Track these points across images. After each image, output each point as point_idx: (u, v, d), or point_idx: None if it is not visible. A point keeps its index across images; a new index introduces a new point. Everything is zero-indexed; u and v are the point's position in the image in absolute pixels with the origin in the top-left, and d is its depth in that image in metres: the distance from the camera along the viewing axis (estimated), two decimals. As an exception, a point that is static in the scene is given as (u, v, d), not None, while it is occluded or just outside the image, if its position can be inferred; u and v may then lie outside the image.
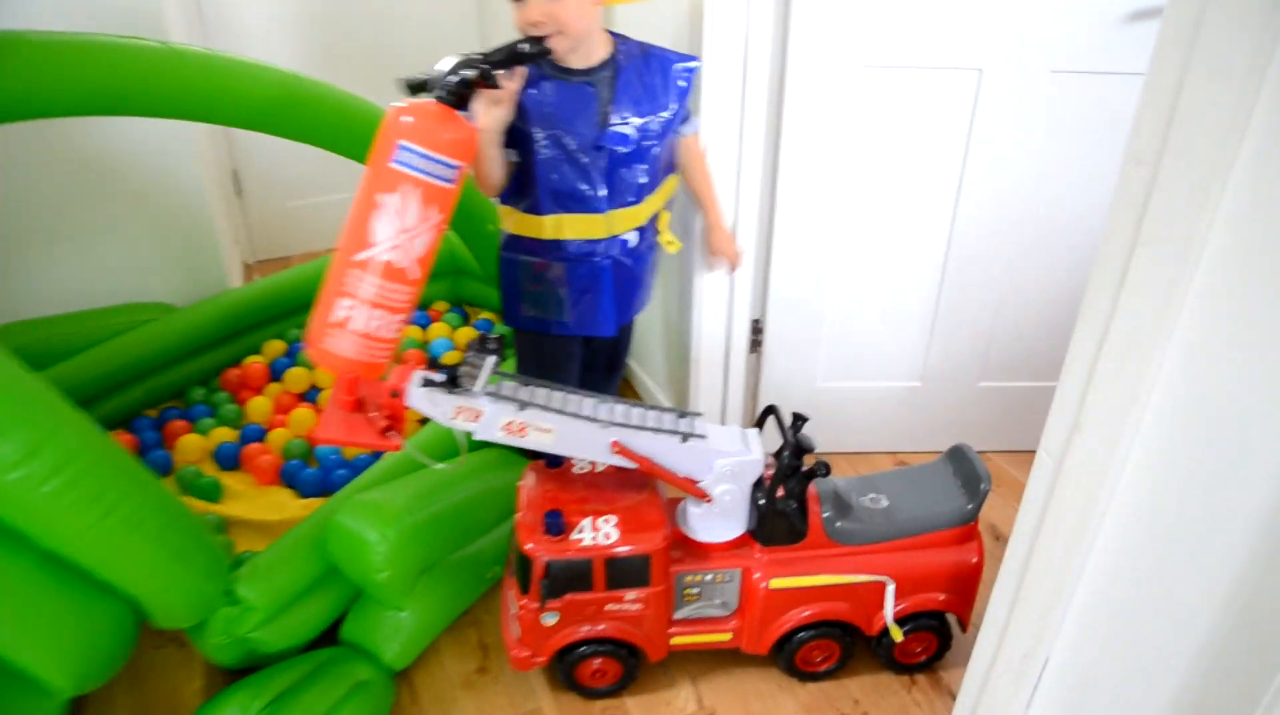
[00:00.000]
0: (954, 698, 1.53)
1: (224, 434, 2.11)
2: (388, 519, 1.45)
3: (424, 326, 2.48)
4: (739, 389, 2.03)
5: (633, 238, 1.58)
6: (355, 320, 1.24)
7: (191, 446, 2.07)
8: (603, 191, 1.50)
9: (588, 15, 1.43)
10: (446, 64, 1.28)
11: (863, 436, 2.12)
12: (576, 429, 1.33)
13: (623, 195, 1.53)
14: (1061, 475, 0.98)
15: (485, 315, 2.58)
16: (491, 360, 1.30)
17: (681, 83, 1.54)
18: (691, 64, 1.56)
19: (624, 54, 1.51)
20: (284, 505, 1.92)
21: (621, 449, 1.34)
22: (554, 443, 1.34)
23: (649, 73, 1.51)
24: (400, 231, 1.23)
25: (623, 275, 1.60)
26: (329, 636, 1.56)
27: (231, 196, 3.03)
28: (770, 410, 1.46)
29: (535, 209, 1.53)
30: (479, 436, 1.33)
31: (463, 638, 1.65)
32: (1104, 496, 0.94)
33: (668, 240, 1.67)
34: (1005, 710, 1.14)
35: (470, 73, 1.27)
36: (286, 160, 2.97)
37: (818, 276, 1.92)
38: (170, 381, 2.25)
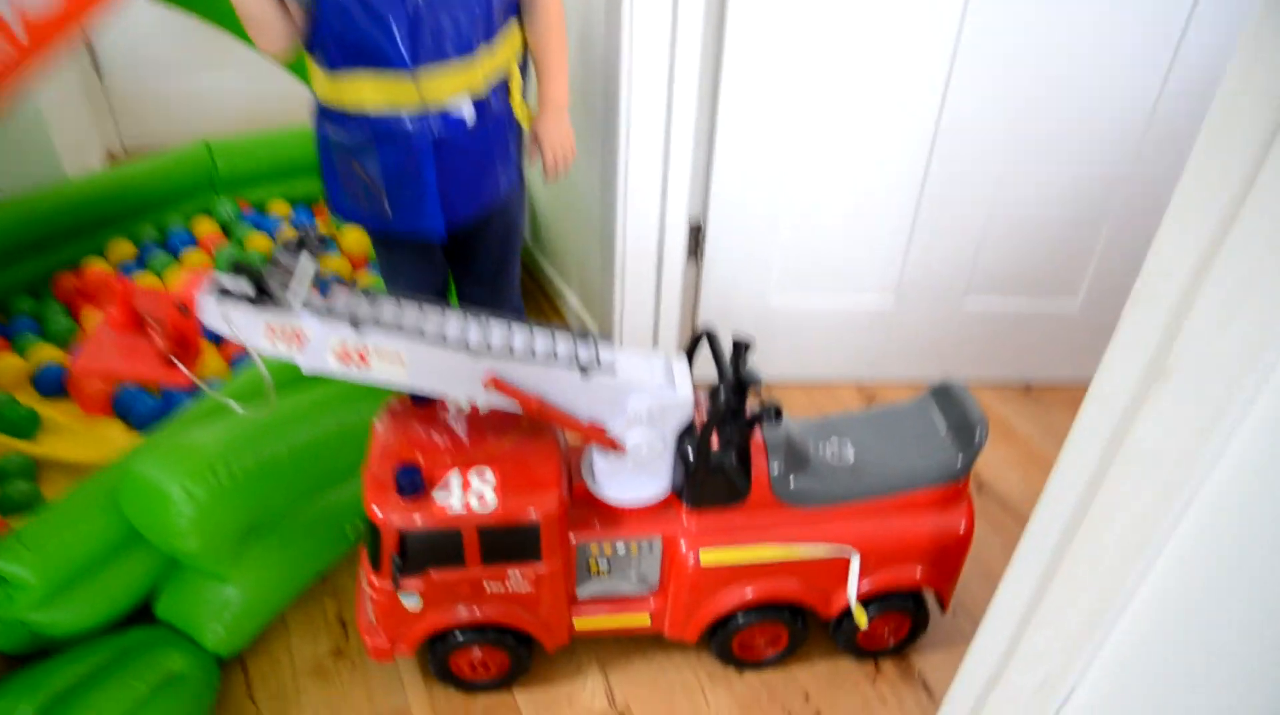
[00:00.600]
0: (928, 691, 1.23)
1: (48, 354, 1.72)
2: (196, 468, 1.09)
3: (272, 233, 2.08)
4: (674, 306, 1.67)
5: (466, 110, 1.18)
6: None
7: (8, 368, 1.69)
8: (406, 43, 1.11)
9: None
10: None
11: (823, 363, 1.78)
12: (438, 358, 0.97)
13: (439, 49, 1.13)
14: (1131, 436, 0.64)
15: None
16: (307, 261, 0.93)
17: None
18: None
19: None
20: (109, 442, 1.55)
21: (501, 385, 0.99)
22: (408, 375, 0.98)
23: None
24: None
25: (456, 159, 1.21)
26: (147, 614, 1.22)
27: (90, 76, 2.57)
28: (703, 336, 1.11)
29: (328, 64, 1.15)
30: (305, 367, 0.97)
31: (315, 612, 1.32)
32: (1194, 473, 0.60)
33: (524, 112, 1.28)
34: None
35: None
36: (151, 37, 2.52)
37: (772, 169, 1.55)
38: (-11, 288, 1.85)
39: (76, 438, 1.58)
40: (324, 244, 0.95)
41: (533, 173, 1.40)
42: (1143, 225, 1.65)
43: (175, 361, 0.94)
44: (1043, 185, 1.60)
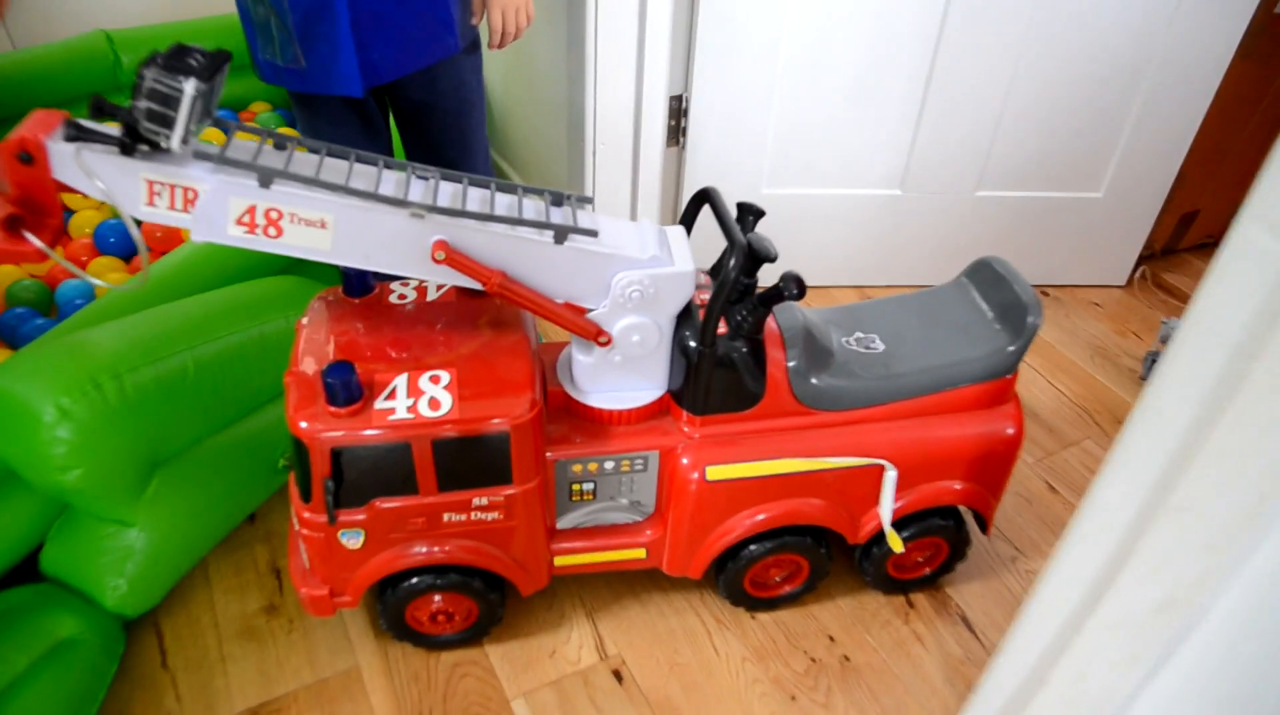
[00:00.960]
0: (968, 625, 1.05)
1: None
2: (74, 381, 0.87)
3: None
4: (652, 195, 1.46)
5: None
6: None
7: None
8: None
9: None
10: None
11: (820, 264, 1.58)
12: (372, 221, 0.75)
13: None
14: None
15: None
16: (193, 86, 0.70)
17: None
18: None
19: None
20: None
21: (453, 255, 0.77)
22: (332, 244, 0.76)
23: None
24: None
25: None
26: (30, 569, 1.00)
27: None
28: (704, 196, 0.90)
29: None
30: (198, 236, 0.75)
31: (244, 561, 1.11)
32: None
33: None
34: None
35: None
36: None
37: (763, 39, 1.33)
38: None
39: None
40: (214, 62, 0.72)
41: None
42: (1169, 114, 1.46)
43: (19, 229, 0.71)
44: (1064, 65, 1.41)
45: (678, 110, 1.40)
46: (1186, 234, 1.76)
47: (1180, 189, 1.59)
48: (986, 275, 1.02)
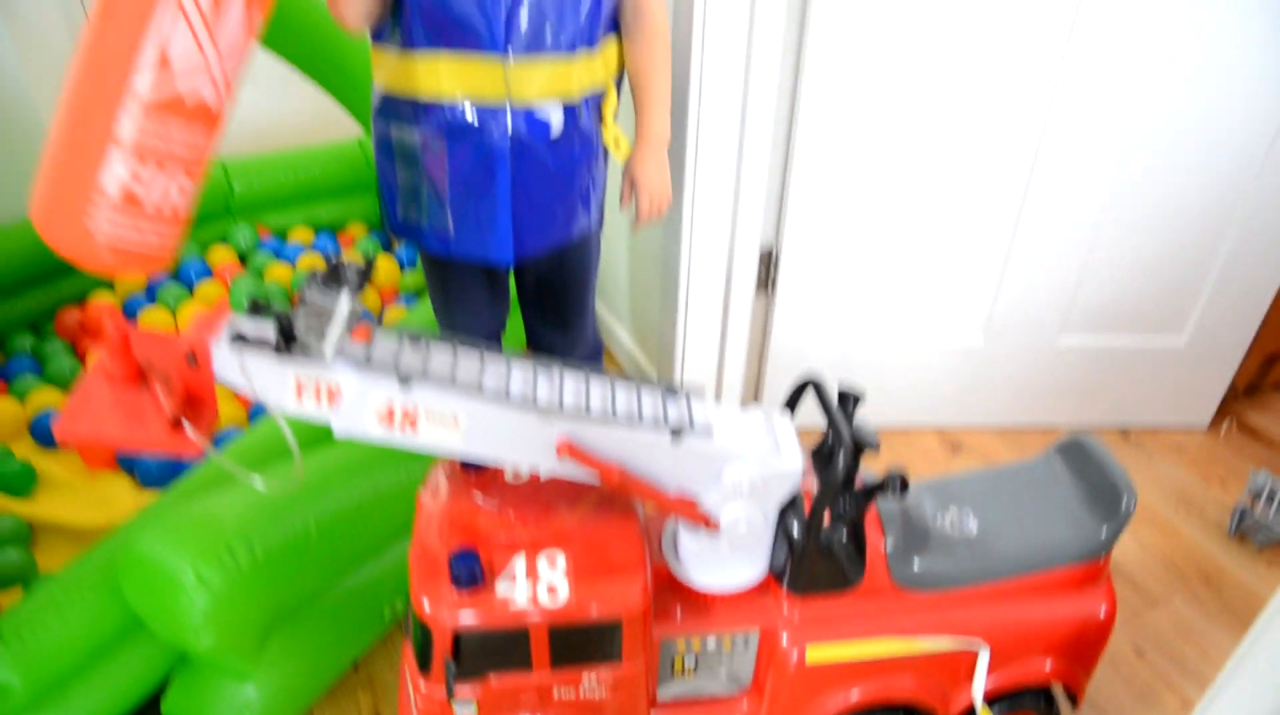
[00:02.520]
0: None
1: (48, 398, 1.56)
2: (211, 548, 0.93)
3: (293, 261, 1.92)
4: (740, 341, 1.50)
5: (553, 116, 1.02)
6: (145, 192, 0.74)
7: (4, 416, 1.53)
8: (502, 20, 0.96)
9: None
10: None
11: (905, 408, 1.61)
12: (502, 419, 0.80)
13: (537, 38, 0.98)
14: None
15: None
16: (347, 301, 0.76)
17: None
18: None
19: None
20: (113, 502, 1.39)
21: (576, 451, 0.82)
22: (464, 441, 0.81)
23: None
24: (213, 52, 0.75)
25: (534, 174, 1.05)
26: (154, 710, 1.05)
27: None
28: (809, 385, 0.94)
29: (407, 42, 0.99)
30: (340, 430, 0.80)
31: (347, 708, 1.14)
32: None
33: (613, 136, 1.11)
34: None
35: None
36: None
37: (852, 197, 1.39)
38: (-13, 325, 1.70)
39: (77, 496, 1.42)
40: (363, 278, 0.79)
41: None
42: (1258, 256, 1.48)
43: (185, 424, 0.77)
44: (1150, 213, 1.44)
45: (768, 261, 1.46)
46: (1271, 372, 1.75)
47: (1266, 329, 1.59)
48: (1077, 454, 1.04)
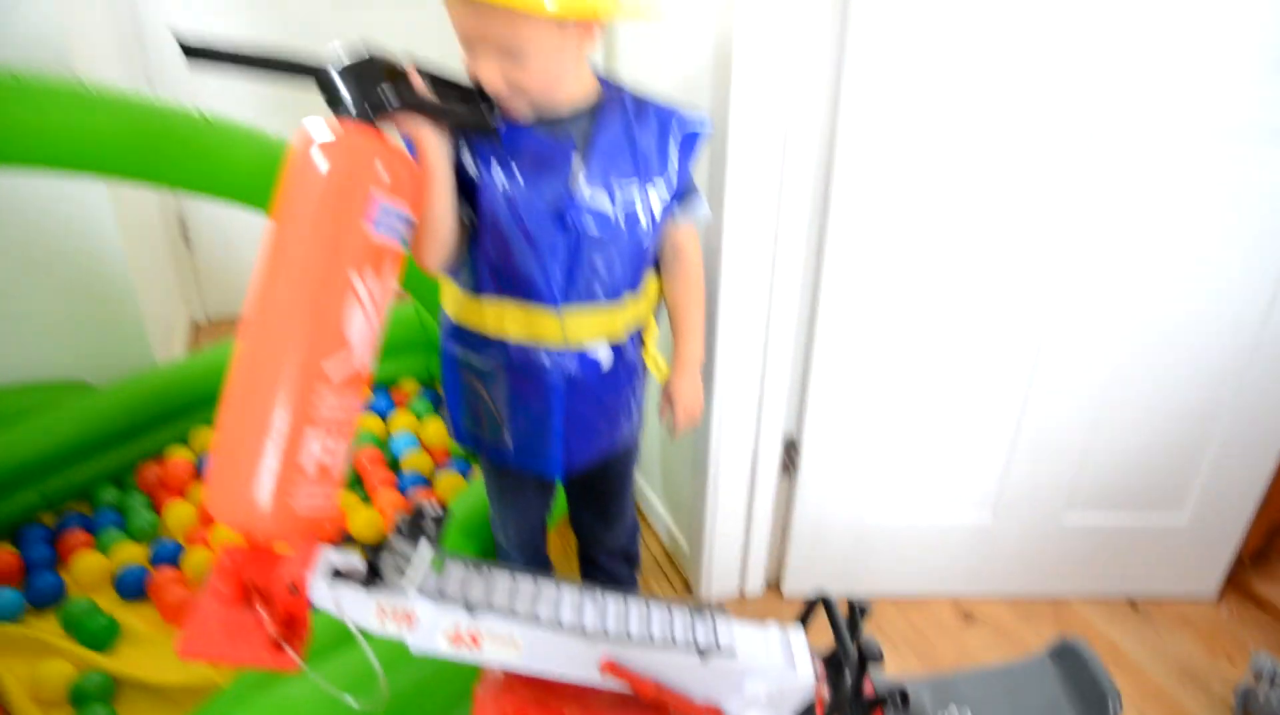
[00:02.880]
0: None
1: (131, 553, 1.72)
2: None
3: (384, 415, 2.08)
4: (765, 519, 1.63)
5: (603, 355, 1.18)
6: (330, 459, 0.86)
7: (89, 568, 1.68)
8: (559, 280, 1.11)
9: (558, 70, 1.05)
10: (361, 64, 0.89)
11: (918, 578, 1.71)
12: (553, 642, 0.93)
13: (589, 291, 1.13)
14: None
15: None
16: (426, 548, 0.91)
17: (683, 148, 1.13)
18: (699, 122, 1.15)
19: (610, 102, 1.11)
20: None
21: (617, 669, 0.94)
22: (521, 658, 0.94)
23: (642, 130, 1.11)
24: (380, 323, 0.89)
25: (585, 402, 1.20)
26: None
27: (179, 247, 2.66)
28: (819, 603, 1.06)
29: (476, 287, 1.15)
30: (415, 647, 0.94)
31: None
32: None
33: (654, 362, 1.26)
34: None
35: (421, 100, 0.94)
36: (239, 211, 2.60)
37: (869, 386, 1.53)
38: (76, 479, 1.87)
39: (156, 652, 1.55)
40: (440, 526, 0.93)
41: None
42: (1253, 438, 1.59)
43: (285, 646, 0.91)
44: (1148, 396, 1.56)
45: (790, 446, 1.59)
46: (1277, 541, 1.83)
47: (1271, 499, 1.68)
48: (1069, 658, 1.14)
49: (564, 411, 1.18)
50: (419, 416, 2.08)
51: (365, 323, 0.86)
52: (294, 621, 0.93)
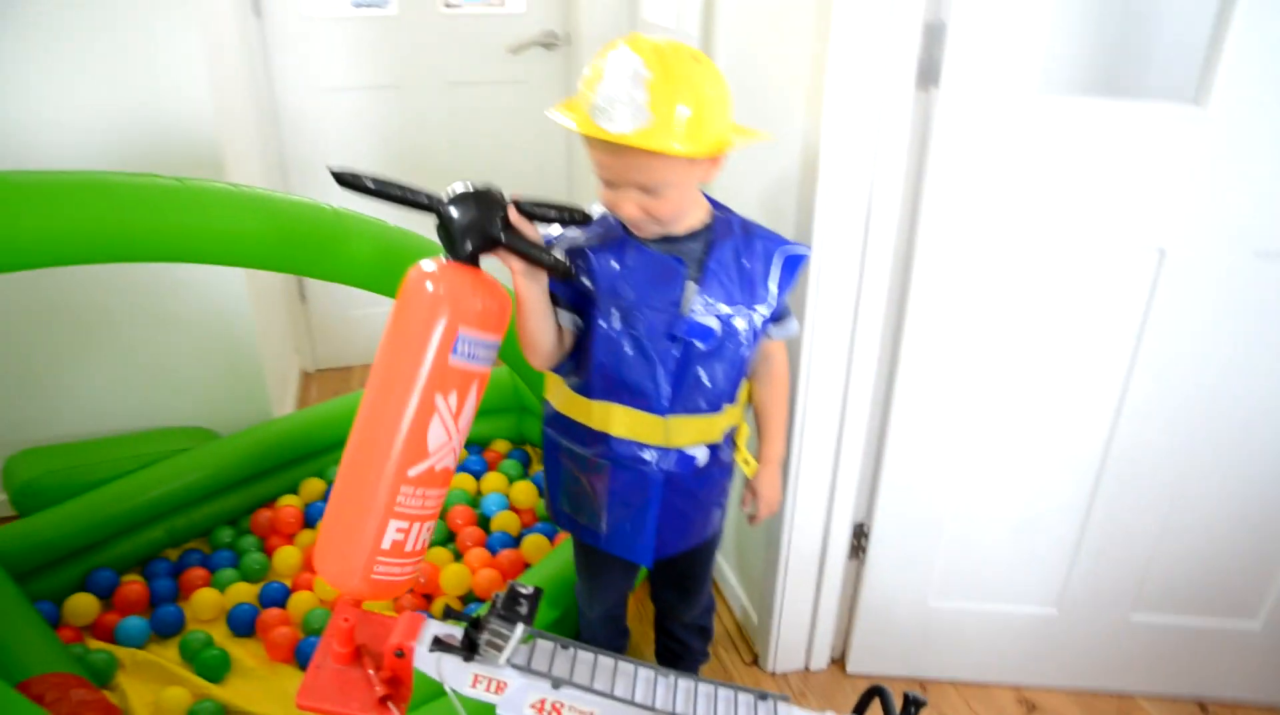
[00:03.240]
0: None
1: (243, 592, 1.87)
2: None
3: (478, 475, 2.21)
4: (833, 600, 1.70)
5: (700, 455, 1.27)
6: (408, 541, 1.05)
7: (206, 604, 1.85)
8: (667, 390, 1.21)
9: (689, 199, 1.18)
10: (468, 203, 1.04)
11: (983, 666, 1.75)
12: (629, 713, 1.02)
13: (692, 400, 1.22)
14: None
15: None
16: (519, 629, 1.01)
17: (784, 274, 1.23)
18: (801, 252, 1.25)
19: (721, 226, 1.22)
20: (291, 695, 1.65)
21: (682, 746, 1.03)
22: (596, 730, 1.03)
23: (749, 255, 1.21)
24: (460, 431, 1.06)
25: (679, 497, 1.29)
26: None
27: (295, 303, 2.86)
28: (875, 692, 1.13)
29: (585, 390, 1.25)
30: (501, 713, 1.04)
31: None
32: None
33: (744, 460, 1.35)
34: None
35: (533, 249, 1.07)
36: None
37: (938, 478, 1.59)
38: (197, 519, 2.05)
39: (261, 685, 1.69)
40: (532, 604, 1.03)
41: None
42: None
43: (389, 704, 1.02)
44: (1220, 502, 1.58)
45: (860, 532, 1.66)
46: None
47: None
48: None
49: (660, 504, 1.27)
50: (510, 478, 2.19)
51: (446, 435, 1.04)
52: (398, 682, 1.04)
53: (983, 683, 1.76)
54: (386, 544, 1.03)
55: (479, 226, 1.04)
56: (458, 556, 1.96)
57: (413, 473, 1.02)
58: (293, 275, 2.78)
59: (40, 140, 1.88)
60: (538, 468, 2.28)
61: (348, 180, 1.06)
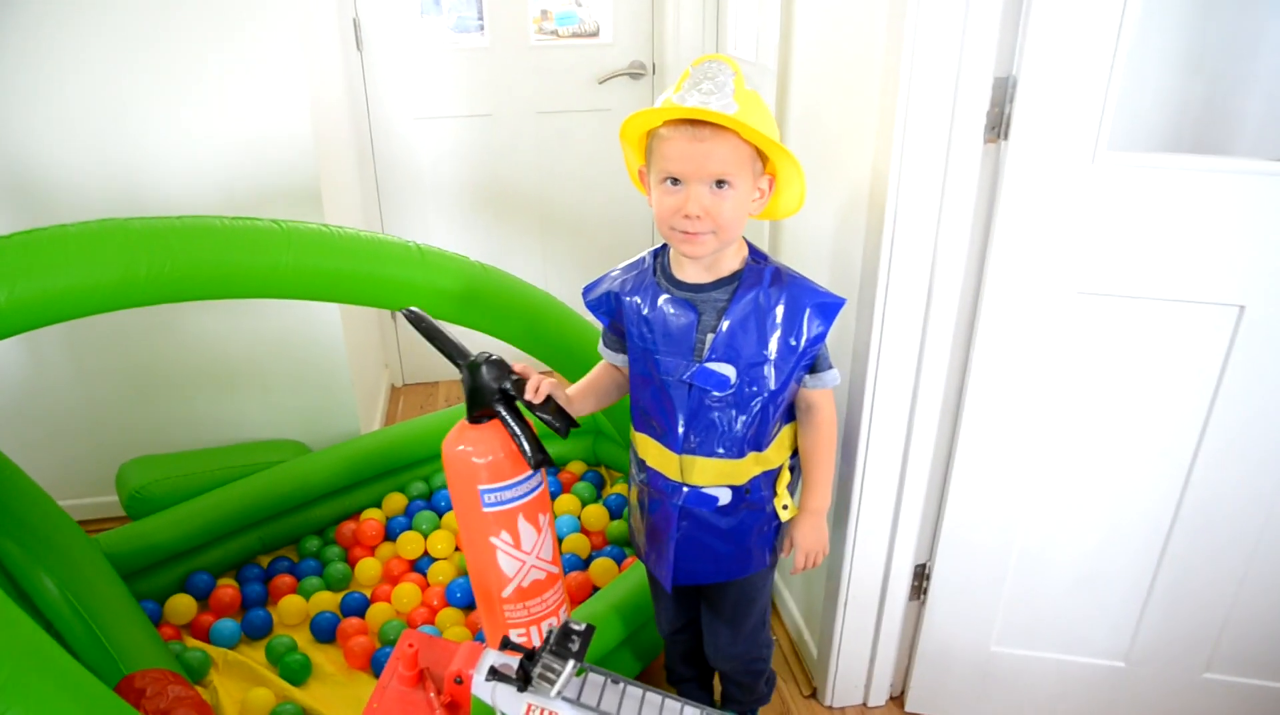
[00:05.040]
0: None
1: (325, 600, 1.98)
2: None
3: (553, 495, 2.28)
4: (892, 641, 1.70)
5: (722, 495, 1.31)
6: (531, 640, 1.35)
7: (292, 610, 1.96)
8: (681, 431, 1.27)
9: (743, 221, 1.22)
10: (477, 371, 1.27)
11: (1044, 713, 1.73)
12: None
13: (708, 444, 1.27)
14: None
15: (619, 489, 2.35)
16: (572, 666, 1.07)
17: (818, 326, 1.25)
18: (833, 303, 1.26)
19: (751, 276, 1.26)
20: (364, 702, 1.74)
21: (722, 783, 1.07)
22: (647, 763, 1.08)
23: (779, 304, 1.24)
24: (529, 552, 1.31)
25: (701, 530, 1.34)
26: None
27: (386, 322, 2.99)
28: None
29: (632, 419, 1.37)
30: (553, 742, 1.09)
31: None
32: None
33: (782, 505, 1.37)
34: None
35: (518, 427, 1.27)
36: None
37: (1003, 522, 1.58)
38: (288, 528, 2.17)
39: (339, 691, 1.79)
40: (585, 644, 1.09)
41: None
42: None
43: (446, 725, 1.09)
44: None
45: (921, 574, 1.66)
46: None
47: None
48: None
49: (678, 535, 1.34)
50: (583, 501, 2.25)
51: (517, 561, 1.30)
52: (456, 706, 1.11)
53: (1047, 735, 1.74)
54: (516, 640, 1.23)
55: (489, 389, 1.25)
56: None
57: (505, 594, 1.32)
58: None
59: (159, 168, 2.04)
60: (611, 490, 2.33)
61: (413, 320, 1.37)
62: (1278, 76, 1.30)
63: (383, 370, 2.99)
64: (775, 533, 1.40)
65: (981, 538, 1.60)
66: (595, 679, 1.12)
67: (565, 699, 1.07)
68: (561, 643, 1.08)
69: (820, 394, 1.32)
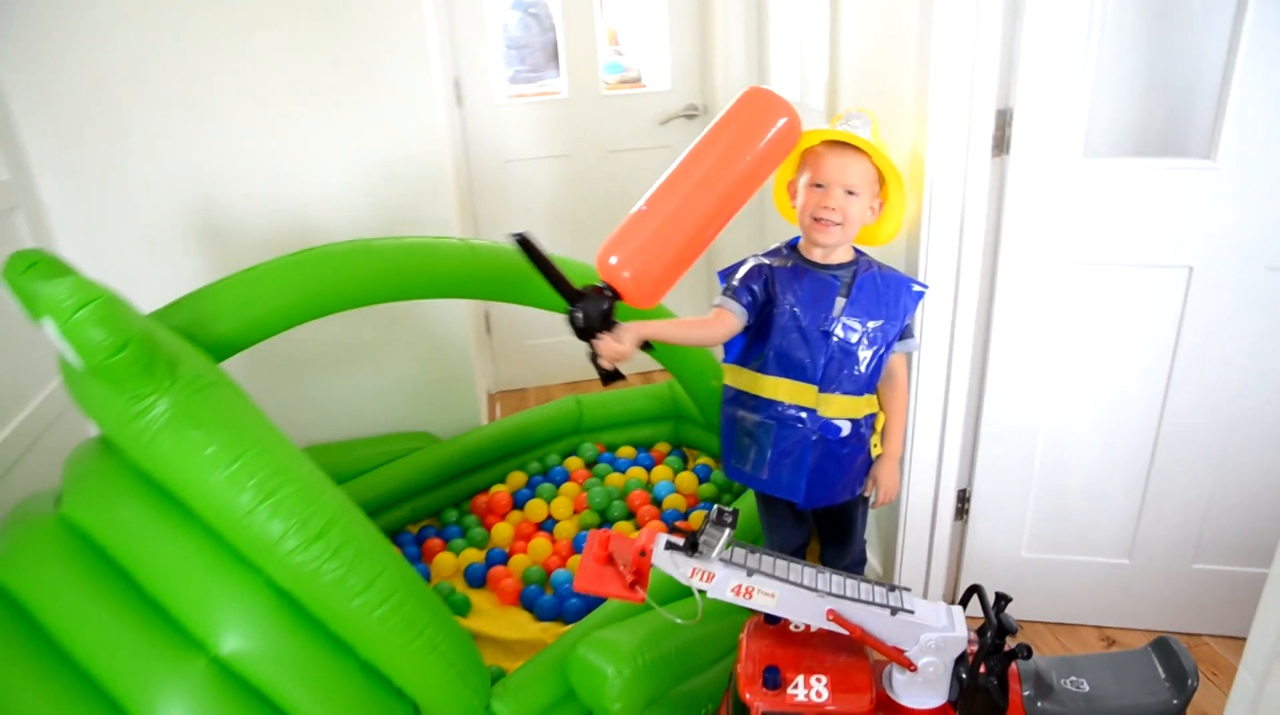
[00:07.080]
0: None
1: (472, 555, 2.41)
2: (623, 656, 1.65)
3: (648, 468, 2.72)
4: (943, 556, 2.13)
5: (844, 427, 1.75)
6: None
7: (445, 564, 2.38)
8: (820, 369, 1.71)
9: (859, 224, 1.71)
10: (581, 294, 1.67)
11: (1069, 608, 2.16)
12: (797, 596, 1.50)
13: (839, 382, 1.72)
14: (1262, 703, 1.05)
15: (703, 460, 2.80)
16: (727, 533, 1.51)
17: (907, 303, 1.73)
18: (920, 288, 1.75)
19: (863, 264, 1.74)
20: (523, 626, 2.18)
21: (836, 617, 1.50)
22: (776, 606, 1.51)
23: (884, 287, 1.72)
24: None
25: (826, 456, 1.75)
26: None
27: (483, 334, 3.44)
28: (974, 589, 1.58)
29: (763, 368, 1.76)
30: (711, 595, 1.52)
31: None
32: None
33: (875, 443, 1.81)
34: None
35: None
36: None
37: (1025, 451, 2.02)
38: (429, 503, 2.60)
39: (496, 619, 2.21)
40: (734, 520, 1.52)
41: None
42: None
43: (636, 588, 1.52)
44: (1261, 468, 1.95)
45: (963, 497, 2.10)
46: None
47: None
48: (1165, 648, 1.59)
49: (810, 456, 1.76)
50: (674, 470, 2.71)
51: None
52: (641, 573, 1.54)
53: (1069, 623, 2.16)
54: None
55: (591, 312, 1.63)
56: (638, 529, 2.47)
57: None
58: (483, 308, 3.39)
59: (311, 192, 2.49)
60: (694, 463, 2.78)
61: (523, 245, 1.65)
62: (1215, 89, 1.74)
63: (480, 378, 3.44)
64: (866, 470, 1.85)
65: (1009, 464, 2.04)
66: (741, 549, 1.56)
67: (722, 560, 1.51)
68: (717, 521, 1.53)
69: (900, 357, 1.79)
